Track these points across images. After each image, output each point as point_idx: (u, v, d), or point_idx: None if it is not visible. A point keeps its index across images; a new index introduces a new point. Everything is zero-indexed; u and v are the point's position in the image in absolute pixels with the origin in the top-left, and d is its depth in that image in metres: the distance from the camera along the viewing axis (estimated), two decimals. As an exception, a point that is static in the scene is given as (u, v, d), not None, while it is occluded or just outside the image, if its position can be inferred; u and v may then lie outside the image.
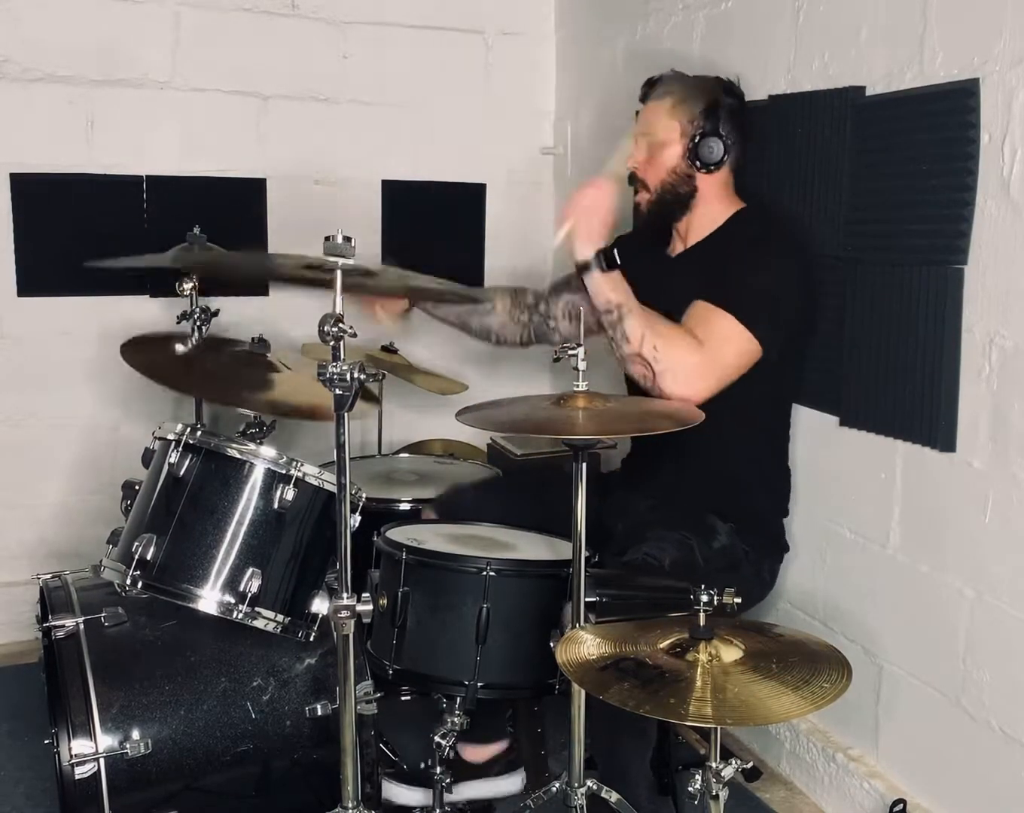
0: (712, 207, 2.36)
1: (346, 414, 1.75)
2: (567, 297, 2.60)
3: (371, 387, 2.28)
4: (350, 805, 1.88)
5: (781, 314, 2.23)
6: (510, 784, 2.45)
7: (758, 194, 2.45)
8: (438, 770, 2.09)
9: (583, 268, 2.17)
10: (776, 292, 2.22)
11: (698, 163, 2.31)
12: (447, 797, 2.14)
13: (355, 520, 2.01)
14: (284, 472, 2.06)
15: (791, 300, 2.26)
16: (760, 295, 2.20)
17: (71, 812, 2.02)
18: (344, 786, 1.87)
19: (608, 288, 2.16)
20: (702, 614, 1.57)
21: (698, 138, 2.30)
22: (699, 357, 2.13)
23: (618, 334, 2.16)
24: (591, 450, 1.85)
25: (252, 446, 2.08)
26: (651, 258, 2.49)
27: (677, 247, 2.45)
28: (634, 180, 2.39)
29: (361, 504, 2.13)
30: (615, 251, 2.15)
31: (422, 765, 2.31)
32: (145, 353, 2.45)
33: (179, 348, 2.52)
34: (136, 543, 2.02)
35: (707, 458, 2.30)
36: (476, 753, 2.46)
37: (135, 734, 1.99)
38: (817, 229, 2.39)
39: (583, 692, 1.87)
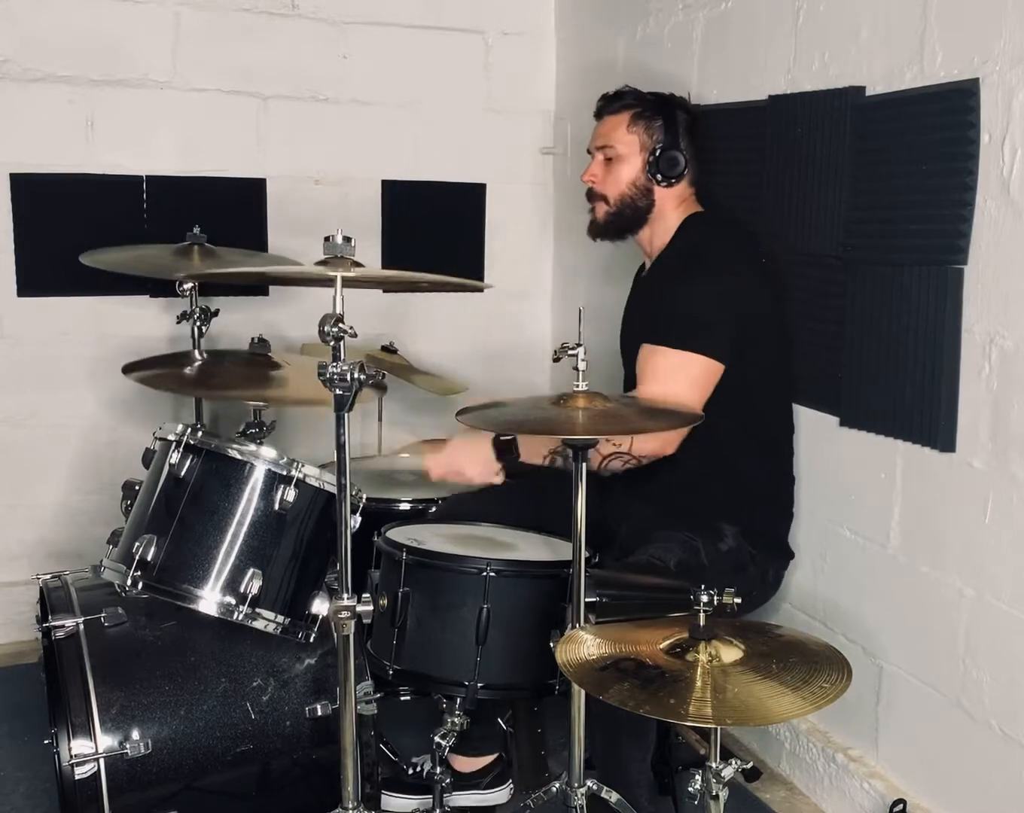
0: (669, 221, 2.41)
1: (346, 414, 1.75)
2: None
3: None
4: (350, 805, 1.88)
5: (716, 328, 2.23)
6: (498, 797, 2.46)
7: (714, 200, 2.49)
8: (438, 770, 2.09)
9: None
10: (704, 310, 2.23)
11: (659, 176, 2.35)
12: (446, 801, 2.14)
13: (355, 520, 2.01)
14: (284, 473, 2.06)
15: (725, 315, 2.25)
16: (686, 317, 2.23)
17: (71, 812, 2.02)
18: (344, 786, 1.87)
19: (529, 455, 2.23)
20: (702, 614, 1.58)
21: (659, 151, 2.34)
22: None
23: (571, 465, 2.14)
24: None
25: (252, 447, 2.08)
26: (634, 281, 2.58)
27: (646, 264, 2.51)
28: (593, 196, 2.43)
29: (361, 504, 2.13)
30: (508, 446, 2.23)
31: (414, 770, 2.32)
32: (147, 371, 2.46)
33: (187, 372, 2.52)
34: (137, 543, 2.02)
35: (711, 462, 2.31)
36: (466, 764, 2.47)
37: (135, 734, 1.99)
38: (817, 229, 2.39)
39: (583, 692, 1.87)
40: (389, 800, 2.39)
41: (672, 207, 2.40)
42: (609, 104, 2.43)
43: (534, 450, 2.24)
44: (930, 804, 2.26)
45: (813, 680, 1.47)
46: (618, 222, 2.42)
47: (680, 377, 2.20)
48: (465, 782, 2.44)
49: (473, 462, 2.26)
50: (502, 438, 2.23)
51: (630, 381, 2.42)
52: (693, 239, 2.37)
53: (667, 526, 2.25)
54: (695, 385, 2.20)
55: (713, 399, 2.19)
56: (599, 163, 2.41)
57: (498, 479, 2.26)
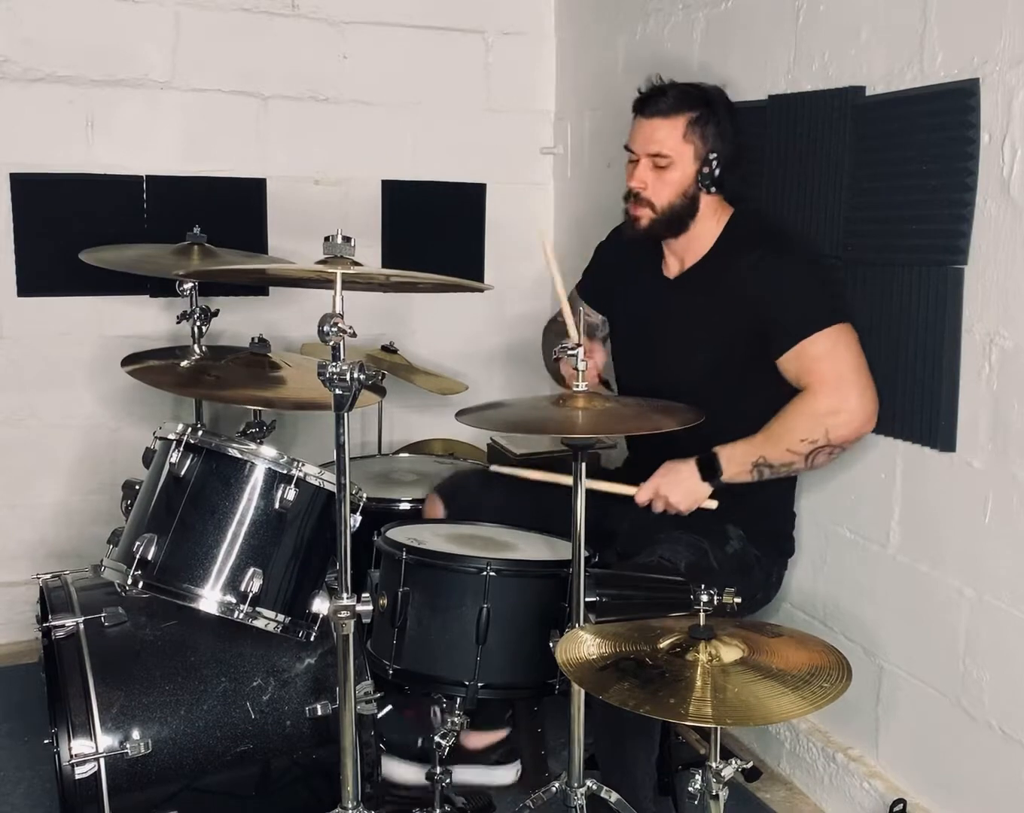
0: (708, 223, 2.34)
1: (346, 414, 1.75)
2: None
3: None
4: (350, 805, 1.88)
5: (836, 287, 2.29)
6: (505, 775, 2.45)
7: (745, 198, 2.44)
8: (438, 770, 2.09)
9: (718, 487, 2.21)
10: (815, 280, 2.26)
11: (713, 187, 2.29)
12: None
13: (355, 520, 2.01)
14: (285, 472, 2.06)
15: (831, 272, 2.32)
16: (815, 295, 2.24)
17: (71, 812, 2.02)
18: (344, 786, 1.88)
19: (735, 473, 2.20)
20: (702, 614, 1.58)
21: (714, 161, 2.26)
22: (835, 397, 2.17)
23: (782, 473, 2.22)
24: (590, 450, 1.86)
25: (253, 446, 2.08)
26: (647, 278, 2.47)
27: (673, 267, 2.41)
28: (638, 198, 2.30)
29: (361, 504, 2.13)
30: (713, 460, 2.19)
31: (419, 741, 2.31)
32: (146, 366, 2.46)
33: (183, 364, 2.51)
34: (137, 543, 2.02)
35: None
36: (474, 740, 2.45)
37: (135, 734, 2.00)
38: (817, 229, 2.39)
39: (583, 692, 1.87)
40: (392, 765, 2.37)
41: (712, 211, 2.33)
42: (657, 104, 2.27)
43: (738, 469, 2.19)
44: (930, 804, 2.26)
45: (813, 680, 1.47)
46: (659, 229, 2.33)
47: (847, 356, 2.19)
48: (471, 757, 2.43)
49: (677, 487, 2.19)
50: (704, 459, 2.19)
51: (662, 387, 2.27)
52: (750, 237, 2.31)
53: (670, 526, 2.24)
54: (856, 352, 2.20)
55: (715, 398, 2.18)
56: (647, 168, 2.27)
57: (711, 504, 2.19)
